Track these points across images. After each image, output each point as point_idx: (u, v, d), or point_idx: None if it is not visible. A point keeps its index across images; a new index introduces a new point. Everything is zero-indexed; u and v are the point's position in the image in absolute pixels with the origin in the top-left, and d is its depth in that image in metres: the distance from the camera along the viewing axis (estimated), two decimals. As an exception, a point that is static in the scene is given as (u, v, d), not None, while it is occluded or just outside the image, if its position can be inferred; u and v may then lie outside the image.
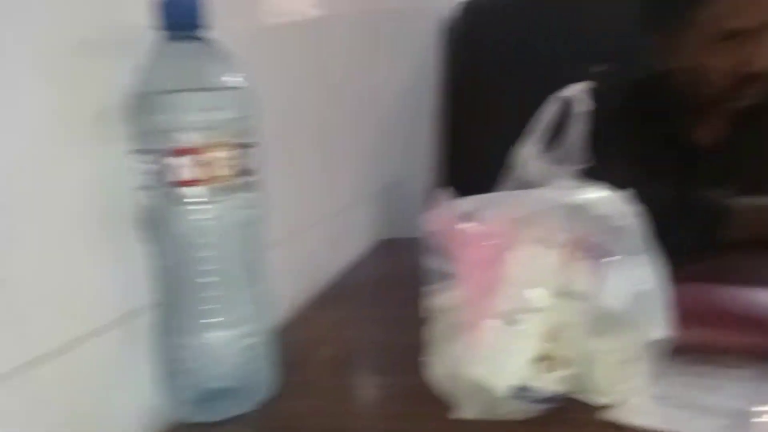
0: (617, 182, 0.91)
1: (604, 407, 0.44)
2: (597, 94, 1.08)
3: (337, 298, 0.76)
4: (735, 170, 0.96)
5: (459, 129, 1.52)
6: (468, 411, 0.44)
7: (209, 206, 0.43)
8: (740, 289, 0.54)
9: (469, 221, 0.43)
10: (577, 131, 0.51)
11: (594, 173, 0.96)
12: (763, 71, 0.84)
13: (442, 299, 0.46)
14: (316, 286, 0.79)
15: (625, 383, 0.45)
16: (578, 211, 0.42)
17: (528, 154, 0.50)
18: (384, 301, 0.74)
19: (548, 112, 0.51)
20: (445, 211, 0.44)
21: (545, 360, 0.43)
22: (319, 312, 0.72)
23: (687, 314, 0.48)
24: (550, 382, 0.44)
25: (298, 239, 0.76)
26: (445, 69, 1.53)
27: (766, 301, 0.52)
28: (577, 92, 0.51)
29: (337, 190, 0.89)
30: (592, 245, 0.41)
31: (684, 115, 0.96)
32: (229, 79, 0.43)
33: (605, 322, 0.43)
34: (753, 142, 0.97)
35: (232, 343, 0.47)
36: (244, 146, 0.43)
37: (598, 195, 0.43)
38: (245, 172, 0.43)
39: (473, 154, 1.54)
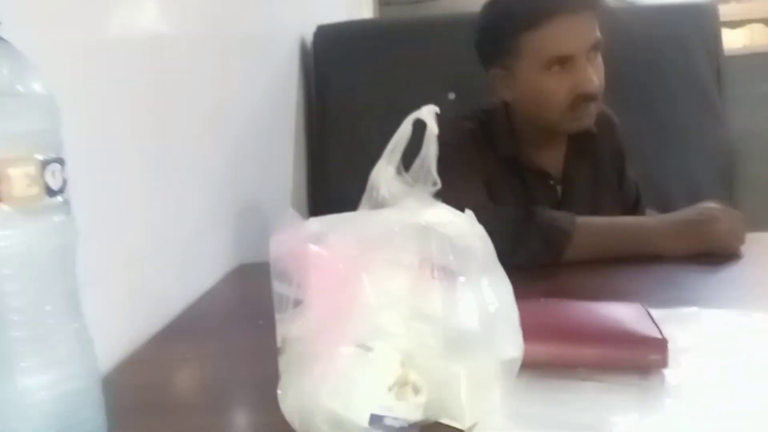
0: (466, 203, 0.94)
1: (462, 430, 0.43)
2: (448, 121, 1.11)
3: (182, 332, 0.70)
4: (574, 193, 1.04)
5: (321, 150, 1.51)
6: (325, 445, 0.41)
7: (9, 232, 0.36)
8: (584, 303, 0.57)
9: (318, 243, 0.40)
10: (428, 153, 0.50)
11: (445, 195, 0.99)
12: (595, 92, 0.92)
13: (293, 327, 0.43)
14: (159, 319, 0.71)
15: (482, 404, 0.44)
16: (428, 232, 0.41)
17: (382, 174, 0.49)
18: (235, 332, 0.69)
19: (401, 133, 0.50)
20: (293, 233, 0.41)
21: (402, 386, 0.42)
22: (162, 348, 0.65)
23: (535, 331, 0.49)
24: (408, 409, 0.42)
25: (137, 268, 0.68)
26: (304, 91, 1.52)
27: (609, 315, 0.54)
28: (427, 115, 0.51)
29: (185, 214, 0.83)
30: (443, 266, 0.40)
31: (527, 141, 1.02)
32: (28, 85, 0.37)
33: (459, 344, 0.42)
34: (588, 169, 1.05)
35: (46, 391, 0.40)
36: (50, 162, 0.37)
37: (446, 216, 0.42)
38: (53, 191, 0.37)
39: (336, 176, 1.54)
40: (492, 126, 1.03)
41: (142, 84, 0.72)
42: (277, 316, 0.44)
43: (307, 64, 1.53)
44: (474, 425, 0.43)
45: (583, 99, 0.93)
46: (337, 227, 0.41)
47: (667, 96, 1.37)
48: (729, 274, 0.80)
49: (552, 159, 1.03)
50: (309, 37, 1.53)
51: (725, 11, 3.27)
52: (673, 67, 1.44)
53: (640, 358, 0.49)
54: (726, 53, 1.67)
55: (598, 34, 0.93)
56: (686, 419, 0.44)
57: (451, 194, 0.97)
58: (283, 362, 0.44)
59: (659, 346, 0.49)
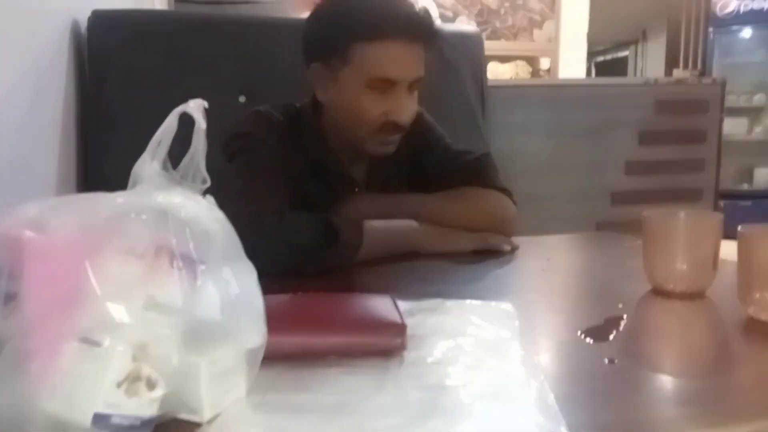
0: (264, 205, 0.91)
1: (202, 424, 0.42)
2: (257, 111, 1.06)
3: None
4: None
5: (95, 145, 1.38)
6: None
7: None
8: (336, 295, 0.60)
9: (35, 229, 0.37)
10: (197, 149, 0.49)
11: (243, 191, 0.94)
12: (405, 123, 0.95)
13: (6, 324, 0.38)
14: None
15: (225, 395, 0.44)
16: (165, 217, 0.39)
17: (146, 169, 0.46)
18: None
19: (166, 127, 0.48)
20: (5, 217, 0.36)
21: (134, 381, 0.39)
22: None
23: (286, 322, 0.50)
24: (140, 405, 0.40)
25: None
26: (76, 80, 1.38)
27: (357, 305, 0.58)
28: (195, 109, 0.49)
29: None
30: (180, 253, 0.40)
31: (334, 145, 1.01)
32: None
33: (199, 334, 0.41)
34: (388, 173, 1.07)
35: None
36: None
37: (182, 200, 0.41)
38: None
39: (112, 174, 1.42)
40: (302, 125, 1.01)
41: None
42: (-10, 313, 0.39)
43: (81, 52, 1.40)
44: (214, 417, 0.43)
45: (392, 126, 0.94)
46: (59, 211, 0.38)
47: (439, 115, 1.51)
48: (475, 271, 0.90)
49: (356, 163, 1.04)
50: (84, 22, 1.39)
51: (495, 47, 3.72)
52: (446, 89, 1.58)
53: (381, 342, 0.53)
54: (495, 83, 1.90)
55: (423, 70, 0.95)
56: (417, 393, 0.48)
57: (249, 192, 0.95)
58: (-5, 365, 0.40)
59: (399, 330, 0.53)
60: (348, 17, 0.93)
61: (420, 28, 0.93)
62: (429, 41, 0.94)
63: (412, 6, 0.95)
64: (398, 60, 0.92)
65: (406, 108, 0.93)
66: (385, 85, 0.92)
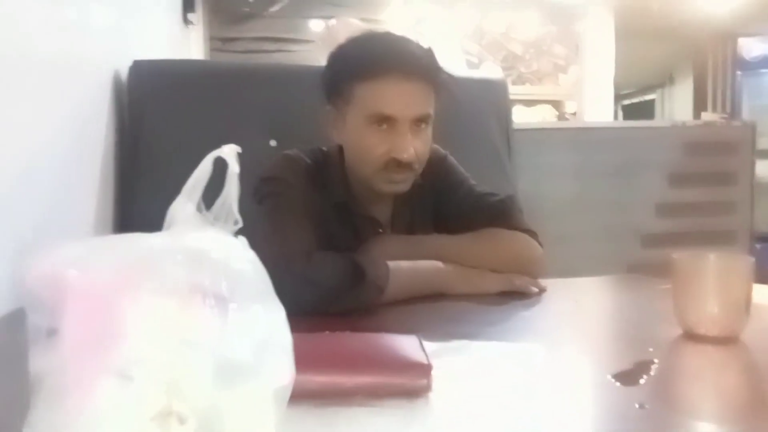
0: (291, 246, 0.93)
1: (230, 461, 0.43)
2: (286, 155, 1.09)
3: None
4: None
5: (131, 190, 1.43)
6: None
7: None
8: (362, 335, 0.60)
9: (77, 267, 0.39)
10: (230, 192, 0.51)
11: (271, 232, 0.96)
12: (408, 161, 0.95)
13: (46, 359, 0.40)
14: None
15: (253, 433, 0.44)
16: (199, 257, 0.41)
17: (180, 211, 0.48)
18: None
19: (201, 171, 0.50)
20: (49, 256, 0.38)
21: (166, 416, 0.40)
22: None
23: (314, 361, 0.51)
24: (172, 441, 0.41)
25: None
26: (116, 128, 1.44)
27: (383, 345, 0.58)
28: (228, 154, 0.51)
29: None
30: (212, 292, 0.41)
31: (357, 186, 1.02)
32: None
33: (229, 372, 0.42)
34: (412, 213, 1.08)
35: None
36: None
37: (216, 240, 0.43)
38: None
39: (146, 217, 1.45)
40: (327, 168, 1.03)
41: None
42: (31, 350, 0.41)
43: (122, 100, 1.47)
44: (242, 454, 0.43)
45: (396, 164, 0.94)
46: (98, 251, 0.40)
47: (465, 159, 1.53)
48: (502, 312, 0.90)
49: (381, 205, 1.05)
50: (125, 72, 1.47)
51: (521, 91, 3.76)
52: (472, 133, 1.61)
53: (407, 382, 0.53)
54: (520, 126, 1.91)
55: (428, 107, 0.95)
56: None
57: (278, 235, 0.96)
58: (33, 400, 0.41)
59: (424, 371, 0.54)
60: (349, 59, 0.97)
61: (416, 65, 0.94)
62: (429, 78, 0.95)
63: (411, 44, 0.97)
64: (395, 97, 0.93)
65: (408, 145, 0.93)
66: (386, 123, 0.94)
